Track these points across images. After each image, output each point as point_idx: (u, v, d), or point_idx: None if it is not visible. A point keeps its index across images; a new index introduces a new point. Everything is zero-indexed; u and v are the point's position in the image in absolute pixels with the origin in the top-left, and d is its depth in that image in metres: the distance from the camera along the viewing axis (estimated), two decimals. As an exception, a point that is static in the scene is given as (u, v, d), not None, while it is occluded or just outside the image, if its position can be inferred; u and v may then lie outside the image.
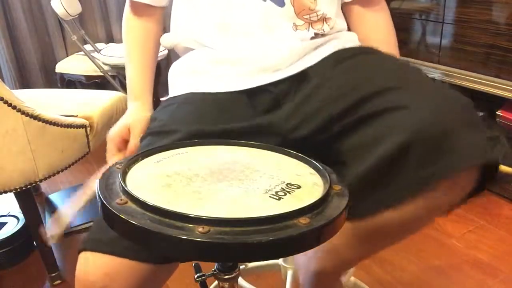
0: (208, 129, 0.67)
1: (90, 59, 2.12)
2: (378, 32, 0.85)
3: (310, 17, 0.74)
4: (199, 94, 0.73)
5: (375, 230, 0.60)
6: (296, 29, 0.73)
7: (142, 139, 0.73)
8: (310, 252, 0.73)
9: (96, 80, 2.23)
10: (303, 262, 0.74)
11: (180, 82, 0.79)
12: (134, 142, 0.75)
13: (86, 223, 1.54)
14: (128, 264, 0.56)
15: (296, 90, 0.70)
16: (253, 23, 0.73)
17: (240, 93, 0.72)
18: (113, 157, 0.75)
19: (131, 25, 0.88)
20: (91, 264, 0.57)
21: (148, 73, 0.88)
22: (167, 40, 0.84)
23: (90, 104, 1.40)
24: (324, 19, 0.75)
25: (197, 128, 0.66)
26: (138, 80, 0.86)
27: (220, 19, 0.75)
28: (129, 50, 0.88)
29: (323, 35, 0.76)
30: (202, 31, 0.77)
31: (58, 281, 1.34)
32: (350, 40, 0.80)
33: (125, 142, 0.76)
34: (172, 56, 2.63)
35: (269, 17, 0.73)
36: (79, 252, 0.59)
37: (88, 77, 2.23)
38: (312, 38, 0.74)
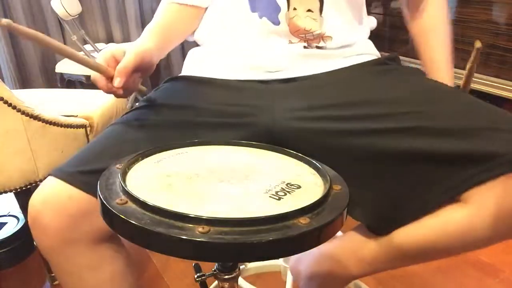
0: (193, 104, 0.71)
1: (90, 59, 2.12)
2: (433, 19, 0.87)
3: (306, 36, 0.74)
4: (196, 77, 0.78)
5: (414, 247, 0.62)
6: (292, 43, 0.74)
7: (134, 108, 0.74)
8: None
9: (96, 80, 2.23)
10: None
11: (184, 67, 0.84)
12: (125, 61, 0.64)
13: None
14: (66, 193, 0.60)
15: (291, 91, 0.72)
16: (250, 37, 0.75)
17: (232, 82, 0.75)
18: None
19: (169, 8, 0.81)
20: (42, 186, 0.62)
21: (166, 35, 0.79)
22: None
23: (90, 104, 1.40)
24: (321, 37, 0.74)
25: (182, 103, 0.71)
26: (152, 28, 0.78)
27: (221, 22, 0.78)
28: (153, 24, 0.80)
29: (320, 48, 0.75)
30: (206, 31, 0.81)
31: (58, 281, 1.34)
32: (361, 53, 0.79)
33: (116, 62, 0.66)
34: (172, 56, 2.63)
35: (265, 33, 0.74)
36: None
37: (88, 77, 2.22)
38: (305, 48, 0.74)
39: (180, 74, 0.82)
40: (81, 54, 0.63)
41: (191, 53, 0.85)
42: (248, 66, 0.75)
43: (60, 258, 0.63)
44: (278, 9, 0.72)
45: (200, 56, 0.82)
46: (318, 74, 0.73)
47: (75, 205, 0.60)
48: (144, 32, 0.76)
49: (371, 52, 0.80)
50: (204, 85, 0.76)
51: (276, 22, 0.73)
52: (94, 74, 0.65)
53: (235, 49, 0.76)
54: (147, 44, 0.71)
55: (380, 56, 0.82)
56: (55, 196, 0.60)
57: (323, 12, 0.73)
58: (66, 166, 0.64)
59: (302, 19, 0.72)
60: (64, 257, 0.63)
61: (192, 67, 0.82)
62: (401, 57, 1.97)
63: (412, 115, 0.63)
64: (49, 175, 0.63)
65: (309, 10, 0.73)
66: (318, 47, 0.74)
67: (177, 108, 0.72)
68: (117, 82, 0.63)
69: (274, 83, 0.73)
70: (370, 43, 0.82)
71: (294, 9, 0.72)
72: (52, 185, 0.61)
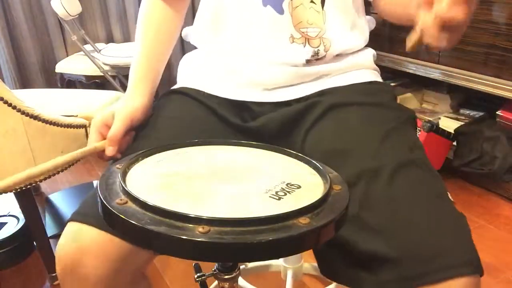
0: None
1: (90, 59, 2.12)
2: None
3: (307, 31, 0.73)
4: (193, 90, 0.77)
5: None
6: (293, 41, 0.72)
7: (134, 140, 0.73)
8: None
9: (96, 80, 2.23)
10: None
11: (181, 76, 0.84)
12: (113, 129, 0.66)
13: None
14: (105, 237, 0.57)
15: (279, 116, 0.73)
16: (251, 31, 0.73)
17: (227, 101, 0.75)
18: (92, 143, 0.69)
19: (152, 6, 0.81)
20: (72, 233, 0.58)
21: (153, 61, 0.80)
22: (187, 35, 0.86)
23: (90, 104, 1.40)
24: (321, 38, 0.73)
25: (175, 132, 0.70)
26: (140, 65, 0.78)
27: (214, 16, 0.77)
28: (141, 32, 0.81)
29: (318, 59, 0.74)
30: (202, 27, 0.79)
31: (58, 281, 1.34)
32: (356, 69, 0.77)
33: (108, 128, 0.69)
34: (172, 57, 2.63)
35: (268, 24, 0.72)
36: (67, 222, 0.60)
37: (88, 77, 2.23)
38: (308, 61, 0.73)
39: (177, 86, 0.81)
40: (64, 157, 0.64)
41: (186, 60, 0.84)
42: (245, 83, 0.74)
43: None
44: None
45: (195, 65, 0.82)
46: (311, 94, 0.73)
47: (116, 250, 0.57)
48: (132, 76, 0.77)
49: (366, 65, 0.79)
50: (201, 103, 0.76)
51: (280, 11, 0.71)
52: (89, 152, 0.65)
53: (233, 55, 0.75)
54: (136, 99, 0.72)
55: (376, 68, 0.81)
56: (95, 243, 0.57)
57: (324, 6, 0.73)
58: (92, 209, 0.59)
59: (306, 9, 0.72)
60: None
61: (187, 78, 0.82)
62: (401, 57, 1.97)
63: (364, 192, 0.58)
64: (73, 220, 0.60)
65: (312, 1, 0.72)
66: (317, 59, 0.73)
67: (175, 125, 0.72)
68: (110, 151, 0.65)
69: (269, 106, 0.74)
70: (368, 52, 0.80)
71: None
72: (87, 231, 0.58)
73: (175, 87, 0.81)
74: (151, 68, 0.78)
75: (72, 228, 0.59)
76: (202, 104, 0.76)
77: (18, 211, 1.47)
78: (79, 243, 0.57)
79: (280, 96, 0.74)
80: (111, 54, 2.19)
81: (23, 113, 1.08)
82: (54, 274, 1.34)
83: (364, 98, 0.72)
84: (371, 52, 0.81)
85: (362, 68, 0.78)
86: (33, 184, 1.17)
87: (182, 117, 0.74)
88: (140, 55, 0.79)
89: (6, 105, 1.05)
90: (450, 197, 0.60)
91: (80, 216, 0.59)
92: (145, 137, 0.70)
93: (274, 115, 0.73)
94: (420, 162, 0.63)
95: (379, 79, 0.80)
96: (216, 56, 0.78)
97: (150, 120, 0.73)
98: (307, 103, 0.72)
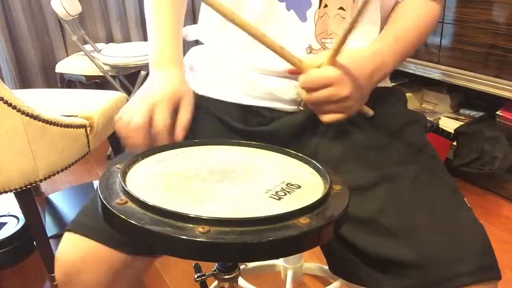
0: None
1: (90, 59, 2.12)
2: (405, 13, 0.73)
3: (325, 42, 0.68)
4: (197, 95, 0.72)
5: None
6: (310, 51, 0.68)
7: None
8: None
9: (96, 80, 2.23)
10: None
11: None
12: (186, 117, 0.60)
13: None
14: (104, 250, 0.57)
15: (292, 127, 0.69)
16: (273, 34, 0.66)
17: (235, 105, 0.71)
18: (164, 122, 0.59)
19: None
20: (71, 244, 0.59)
21: (180, 36, 0.72)
22: (187, 34, 0.81)
23: (90, 104, 1.40)
24: None
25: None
26: (171, 39, 0.69)
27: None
28: (156, 5, 0.72)
29: None
30: (210, 25, 0.75)
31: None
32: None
33: (173, 106, 0.61)
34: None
35: (287, 30, 0.67)
36: (64, 231, 0.61)
37: (88, 77, 2.22)
38: None
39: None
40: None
41: (192, 54, 0.80)
42: (255, 90, 0.70)
43: None
44: (309, 4, 0.66)
45: (200, 64, 0.77)
46: None
47: (113, 260, 0.58)
48: (168, 52, 0.69)
49: None
50: (204, 109, 0.72)
51: (303, 18, 0.66)
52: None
53: (245, 59, 0.70)
54: (182, 78, 0.67)
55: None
56: (92, 254, 0.58)
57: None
58: (91, 220, 0.59)
59: (330, 19, 0.67)
60: None
61: (192, 76, 0.76)
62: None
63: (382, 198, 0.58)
64: (70, 230, 0.60)
65: (340, 8, 0.67)
66: None
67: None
68: (182, 136, 0.61)
69: (278, 113, 0.70)
70: None
71: (325, 6, 0.66)
72: (84, 243, 0.58)
73: None
74: (179, 43, 0.72)
75: (69, 238, 0.59)
76: (209, 114, 0.72)
77: (18, 211, 1.47)
78: (76, 254, 0.58)
79: (291, 106, 0.70)
80: (111, 54, 2.19)
81: (23, 113, 1.08)
82: (54, 274, 1.33)
83: (376, 106, 0.70)
84: None
85: None
86: (33, 184, 1.17)
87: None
88: (163, 29, 0.71)
89: (6, 105, 1.05)
90: (468, 204, 0.61)
91: (77, 227, 0.60)
92: None
93: (285, 121, 0.69)
94: (439, 169, 0.63)
95: (389, 84, 0.79)
96: (226, 59, 0.74)
97: None
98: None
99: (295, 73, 0.61)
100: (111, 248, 0.58)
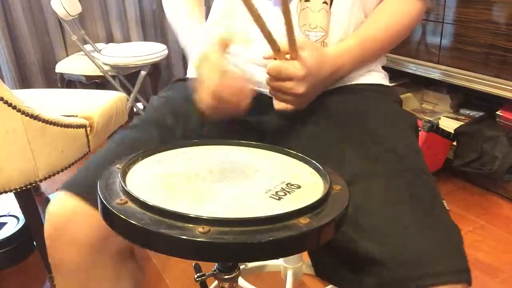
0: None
1: (90, 59, 2.12)
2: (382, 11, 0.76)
3: (308, 35, 0.72)
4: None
5: None
6: None
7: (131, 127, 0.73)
8: None
9: (96, 80, 2.23)
10: None
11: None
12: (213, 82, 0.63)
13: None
14: (93, 208, 0.58)
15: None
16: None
17: None
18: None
19: None
20: (61, 200, 0.61)
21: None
22: None
23: (90, 104, 1.40)
24: (322, 43, 0.72)
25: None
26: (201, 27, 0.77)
27: (227, 13, 0.76)
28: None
29: None
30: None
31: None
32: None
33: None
34: (172, 57, 2.63)
35: (274, 24, 0.70)
36: (57, 190, 0.63)
37: (88, 77, 2.22)
38: None
39: (186, 76, 0.82)
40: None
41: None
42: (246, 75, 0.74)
43: (83, 276, 0.62)
44: None
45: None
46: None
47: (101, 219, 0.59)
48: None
49: (372, 68, 0.78)
50: None
51: None
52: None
53: (240, 53, 0.75)
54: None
55: (383, 71, 0.81)
56: (81, 211, 0.59)
57: (332, 7, 0.71)
58: (85, 179, 0.62)
59: (314, 13, 0.71)
60: (86, 276, 0.62)
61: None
62: (401, 57, 1.97)
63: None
64: (64, 189, 0.62)
65: (324, 2, 0.70)
66: None
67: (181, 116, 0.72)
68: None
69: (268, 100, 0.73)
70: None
71: (307, 0, 0.70)
72: (73, 200, 0.60)
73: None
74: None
75: (59, 197, 0.61)
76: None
77: (18, 211, 1.48)
78: (65, 209, 0.60)
79: None
80: (111, 54, 2.19)
81: (23, 113, 1.08)
82: (54, 274, 1.34)
83: (366, 103, 0.72)
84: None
85: (372, 71, 0.78)
86: (33, 184, 1.17)
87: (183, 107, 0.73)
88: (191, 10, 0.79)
89: (6, 105, 1.05)
90: (446, 205, 0.60)
91: (67, 186, 0.62)
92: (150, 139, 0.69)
93: (273, 113, 0.72)
94: (418, 168, 0.63)
95: (384, 82, 0.79)
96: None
97: (154, 115, 0.73)
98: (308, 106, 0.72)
99: (270, 58, 0.66)
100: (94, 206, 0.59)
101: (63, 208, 0.60)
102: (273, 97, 0.69)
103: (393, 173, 0.60)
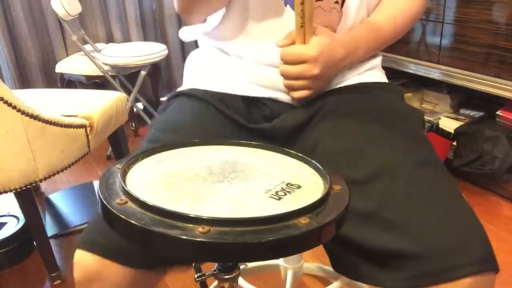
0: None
1: (90, 59, 2.12)
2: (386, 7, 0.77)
3: None
4: (201, 90, 0.76)
5: None
6: None
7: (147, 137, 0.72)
8: None
9: (96, 80, 2.23)
10: None
11: (188, 75, 0.82)
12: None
13: (86, 223, 1.54)
14: (116, 267, 0.58)
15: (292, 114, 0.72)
16: (271, 29, 0.72)
17: (239, 97, 0.74)
18: None
19: None
20: (84, 262, 0.60)
21: None
22: (186, 35, 0.84)
23: (90, 104, 1.40)
24: None
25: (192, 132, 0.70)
26: None
27: (241, 21, 0.74)
28: None
29: None
30: (219, 31, 0.78)
31: (58, 281, 1.34)
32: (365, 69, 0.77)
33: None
34: (172, 57, 2.63)
35: (287, 24, 0.70)
36: (76, 248, 0.61)
37: (88, 77, 2.23)
38: None
39: (186, 88, 0.79)
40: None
41: (193, 56, 0.83)
42: (255, 81, 0.73)
43: None
44: None
45: (204, 65, 0.80)
46: (320, 95, 0.72)
47: (124, 276, 0.59)
48: None
49: (374, 66, 0.79)
50: (210, 105, 0.74)
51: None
52: None
53: (251, 52, 0.74)
54: None
55: (382, 70, 0.81)
56: (102, 272, 0.59)
57: (343, 7, 0.72)
58: (98, 236, 0.60)
59: (326, 12, 0.71)
60: None
61: (196, 78, 0.80)
62: (401, 57, 1.97)
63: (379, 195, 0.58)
64: (79, 248, 0.60)
65: (336, 2, 0.71)
66: None
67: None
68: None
69: (281, 104, 0.73)
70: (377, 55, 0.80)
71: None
72: (94, 261, 0.59)
73: (181, 88, 0.80)
74: None
75: (80, 256, 0.60)
76: (211, 106, 0.74)
77: (18, 211, 1.48)
78: (87, 272, 0.59)
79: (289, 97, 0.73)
80: (111, 54, 2.19)
81: (23, 113, 1.09)
82: (54, 274, 1.34)
83: (376, 100, 0.72)
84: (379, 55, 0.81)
85: (372, 69, 0.78)
86: (33, 184, 1.17)
87: (190, 122, 0.72)
88: None
89: (6, 105, 1.05)
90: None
91: (87, 245, 0.60)
92: (154, 141, 0.69)
93: (285, 117, 0.72)
94: (437, 160, 0.64)
95: (386, 80, 0.80)
96: (227, 53, 0.78)
97: (159, 126, 0.73)
98: (316, 106, 0.72)
99: (284, 46, 0.67)
100: (119, 264, 0.58)
101: (85, 271, 0.59)
102: (289, 90, 0.69)
103: (415, 166, 0.60)
